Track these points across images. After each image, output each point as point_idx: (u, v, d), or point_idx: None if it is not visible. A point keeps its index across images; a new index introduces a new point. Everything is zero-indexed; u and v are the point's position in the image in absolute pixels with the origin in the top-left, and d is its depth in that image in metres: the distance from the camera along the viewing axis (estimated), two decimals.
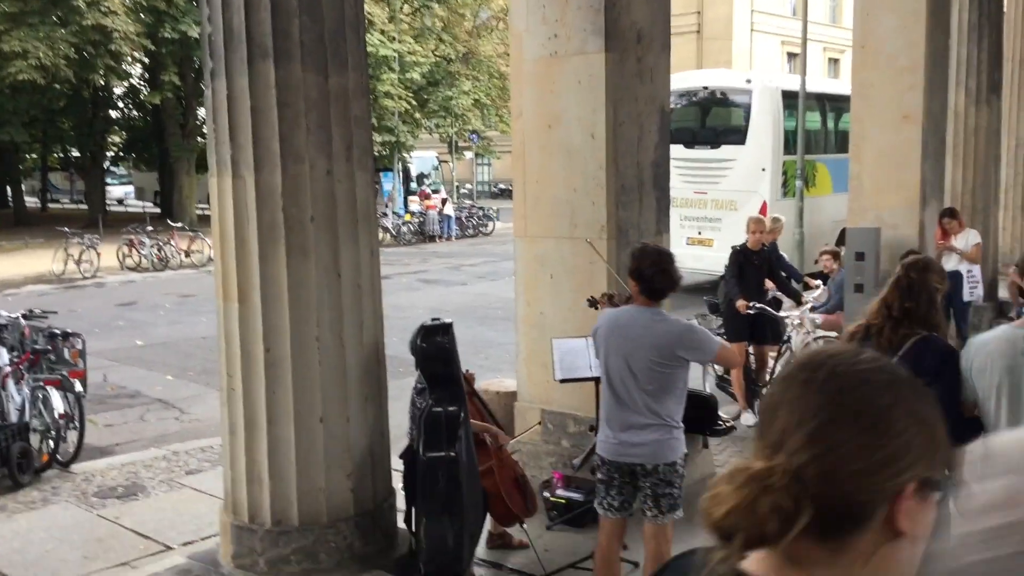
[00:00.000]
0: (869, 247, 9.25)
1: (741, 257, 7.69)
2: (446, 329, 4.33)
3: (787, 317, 7.58)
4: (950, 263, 9.49)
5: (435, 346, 4.30)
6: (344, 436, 4.32)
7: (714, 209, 14.66)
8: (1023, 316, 3.64)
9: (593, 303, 4.87)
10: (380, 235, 30.02)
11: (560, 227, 5.92)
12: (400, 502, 4.70)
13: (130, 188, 48.56)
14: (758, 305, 7.40)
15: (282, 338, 4.19)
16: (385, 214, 28.39)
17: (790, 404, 0.98)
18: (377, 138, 29.24)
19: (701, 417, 6.44)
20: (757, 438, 1.01)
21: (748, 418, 7.68)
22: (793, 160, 15.04)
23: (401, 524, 4.69)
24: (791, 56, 38.80)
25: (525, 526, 5.21)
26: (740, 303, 7.43)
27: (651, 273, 3.95)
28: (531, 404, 6.25)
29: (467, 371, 5.12)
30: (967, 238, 9.51)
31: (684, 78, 15.95)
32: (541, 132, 5.91)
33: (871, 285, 9.27)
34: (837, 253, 10.13)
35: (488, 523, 5.15)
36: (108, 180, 41.30)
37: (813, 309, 8.80)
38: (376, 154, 31.75)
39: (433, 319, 4.40)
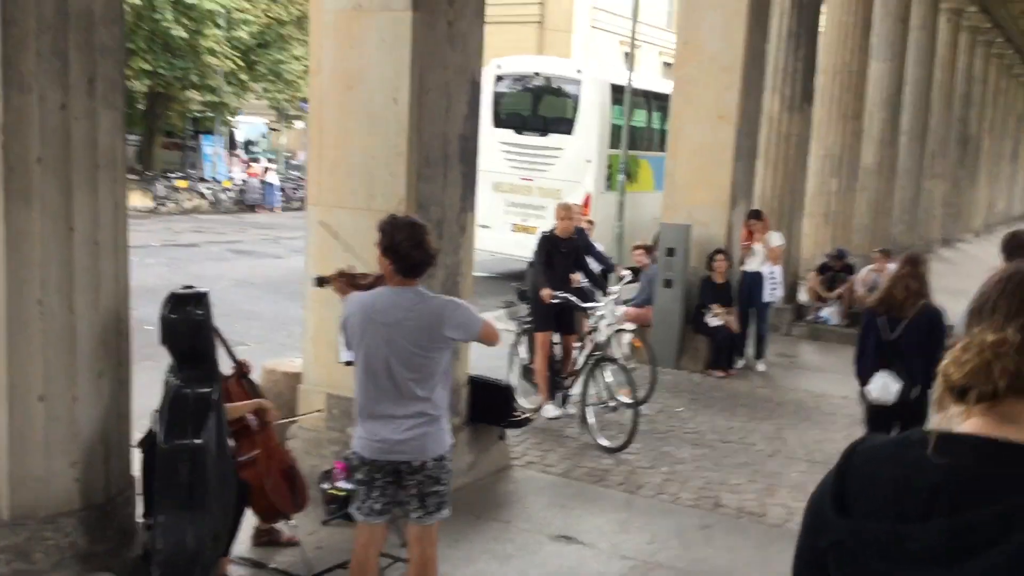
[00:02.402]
0: (679, 243, 9.33)
1: (549, 244, 7.46)
2: (200, 299, 3.78)
3: (592, 308, 7.42)
4: (753, 264, 9.70)
5: (186, 318, 3.75)
6: (69, 418, 3.70)
7: (539, 197, 14.54)
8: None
9: (322, 281, 4.26)
10: (197, 202, 27.83)
11: (356, 197, 5.46)
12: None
13: None
14: (561, 295, 7.20)
15: None
16: (203, 179, 26.85)
17: (1010, 295, 1.25)
18: (198, 97, 27.54)
19: (497, 407, 6.19)
20: (976, 322, 1.26)
21: (549, 410, 7.48)
22: (618, 154, 15.15)
23: (142, 519, 4.13)
24: (628, 55, 39.67)
25: (293, 522, 4.77)
26: (545, 292, 7.20)
27: (408, 248, 3.49)
28: (316, 387, 5.77)
29: (242, 360, 4.59)
30: (771, 240, 9.74)
31: (517, 62, 15.76)
32: (340, 91, 5.41)
33: (680, 281, 9.36)
34: (650, 248, 10.19)
35: (256, 519, 4.68)
36: None
37: (626, 302, 8.74)
38: (197, 115, 29.98)
39: (185, 287, 3.84)
